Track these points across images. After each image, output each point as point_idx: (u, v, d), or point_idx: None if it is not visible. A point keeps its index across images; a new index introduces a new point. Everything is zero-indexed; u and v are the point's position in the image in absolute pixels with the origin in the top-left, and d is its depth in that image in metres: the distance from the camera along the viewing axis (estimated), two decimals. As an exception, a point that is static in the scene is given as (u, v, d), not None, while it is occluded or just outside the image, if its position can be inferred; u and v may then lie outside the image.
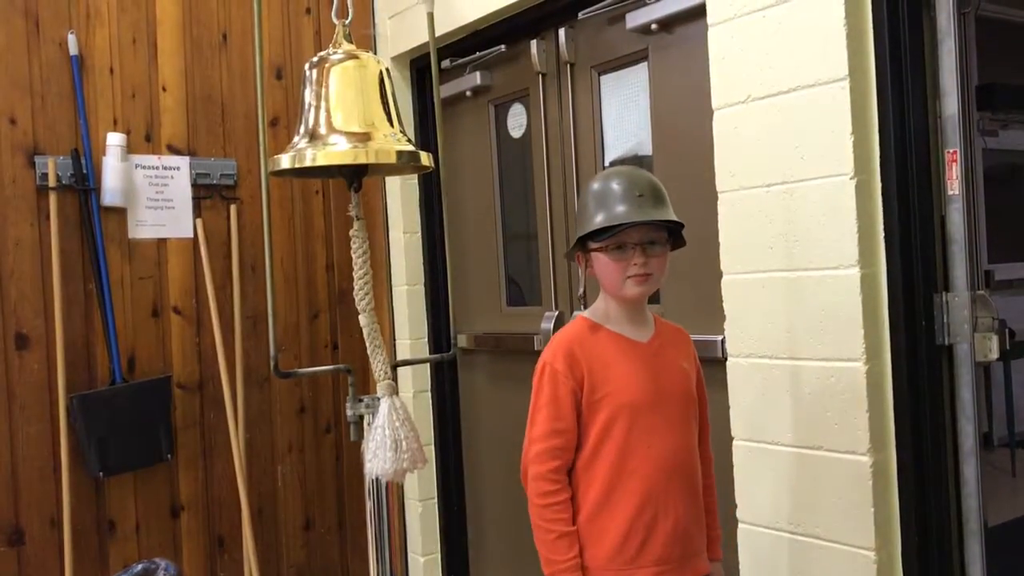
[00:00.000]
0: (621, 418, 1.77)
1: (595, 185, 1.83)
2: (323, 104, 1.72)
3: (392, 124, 1.75)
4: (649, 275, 1.79)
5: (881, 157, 1.97)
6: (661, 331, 1.90)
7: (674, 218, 1.80)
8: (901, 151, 1.96)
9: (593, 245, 1.80)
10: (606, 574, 1.77)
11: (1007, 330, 2.02)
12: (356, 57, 1.76)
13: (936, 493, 2.00)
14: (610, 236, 1.77)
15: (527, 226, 3.22)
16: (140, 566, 1.32)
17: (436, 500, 3.62)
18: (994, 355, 1.97)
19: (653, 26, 2.59)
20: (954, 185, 2.00)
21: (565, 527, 1.77)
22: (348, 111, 1.72)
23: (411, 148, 1.77)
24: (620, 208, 1.76)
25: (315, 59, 1.77)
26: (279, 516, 3.44)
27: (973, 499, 2.01)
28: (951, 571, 2.01)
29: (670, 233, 1.83)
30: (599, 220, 1.77)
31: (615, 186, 1.79)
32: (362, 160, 1.71)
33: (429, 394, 3.60)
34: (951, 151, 1.99)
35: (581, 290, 2.90)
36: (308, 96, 1.75)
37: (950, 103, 1.99)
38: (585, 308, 2.88)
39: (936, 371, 2.00)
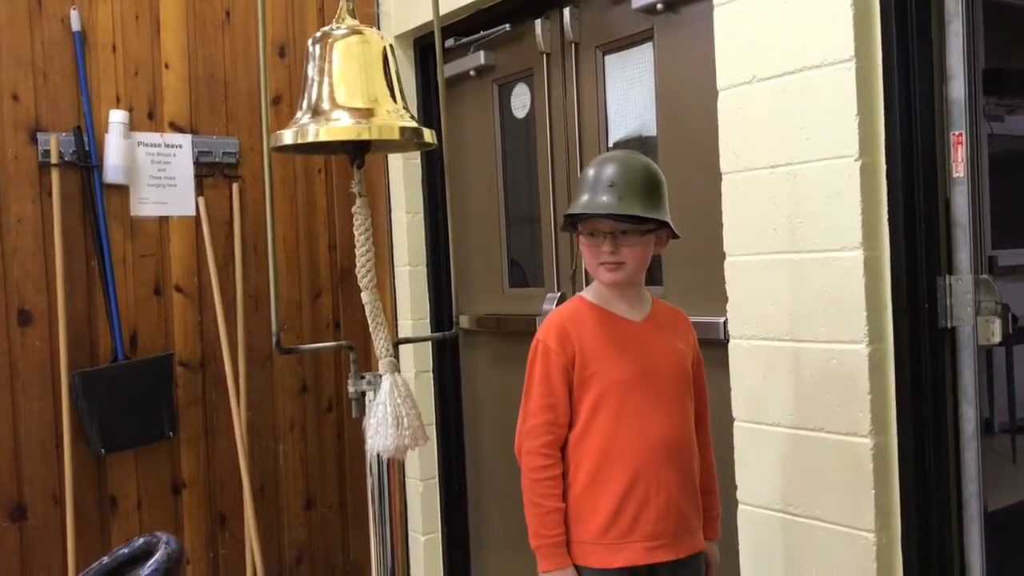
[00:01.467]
0: (611, 395, 1.80)
1: (586, 169, 1.87)
2: (326, 79, 1.71)
3: (395, 100, 1.74)
4: (621, 264, 1.80)
5: (886, 139, 1.96)
6: (657, 312, 1.92)
7: (637, 213, 1.76)
8: (907, 133, 1.95)
9: (579, 228, 1.85)
10: (598, 548, 1.79)
11: (1010, 315, 2.01)
12: (360, 32, 1.75)
13: (936, 477, 2.00)
14: (582, 223, 1.82)
15: (530, 207, 3.21)
16: (141, 540, 1.32)
17: (437, 479, 3.62)
18: (996, 339, 1.97)
19: (658, 6, 2.57)
20: (959, 168, 1.99)
21: (554, 503, 1.80)
22: (351, 87, 1.71)
23: (414, 124, 1.76)
24: (586, 197, 1.79)
25: (318, 34, 1.76)
26: (280, 494, 3.45)
27: (973, 483, 2.01)
28: (950, 555, 2.02)
29: (662, 223, 1.82)
30: (576, 203, 1.82)
31: (591, 173, 1.82)
32: (365, 136, 1.70)
33: (431, 374, 3.60)
34: (957, 133, 1.98)
35: (572, 268, 2.92)
36: (311, 71, 1.74)
37: (956, 85, 1.98)
38: (575, 285, 2.90)
39: (938, 354, 2.00)
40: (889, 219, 1.96)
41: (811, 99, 2.02)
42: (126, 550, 1.33)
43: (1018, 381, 5.23)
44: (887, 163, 1.96)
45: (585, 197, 1.80)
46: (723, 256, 2.24)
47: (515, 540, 3.31)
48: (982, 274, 2.00)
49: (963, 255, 1.99)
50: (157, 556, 1.22)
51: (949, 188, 2.00)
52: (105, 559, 1.33)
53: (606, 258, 1.80)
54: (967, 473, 2.02)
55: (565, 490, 1.82)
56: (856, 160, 1.94)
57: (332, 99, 1.70)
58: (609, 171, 1.79)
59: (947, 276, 2.00)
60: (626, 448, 1.79)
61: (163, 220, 3.21)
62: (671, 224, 1.83)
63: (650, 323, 1.88)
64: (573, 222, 1.85)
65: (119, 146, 3.07)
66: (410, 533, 3.67)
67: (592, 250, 1.82)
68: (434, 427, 3.60)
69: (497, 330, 3.38)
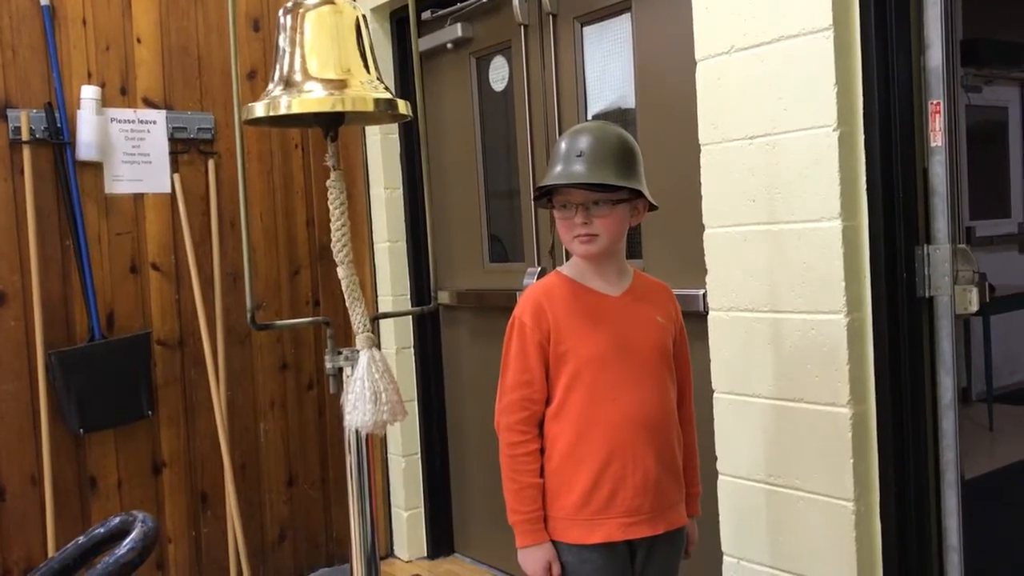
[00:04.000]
0: (585, 371, 1.78)
1: (558, 141, 1.83)
2: (298, 51, 1.68)
3: (369, 71, 1.72)
4: (594, 235, 1.77)
5: (864, 108, 1.95)
6: (638, 286, 1.89)
7: (607, 181, 1.73)
8: (884, 102, 1.95)
9: (553, 202, 1.82)
10: (575, 524, 1.79)
11: (987, 284, 2.02)
12: (332, 3, 1.72)
13: (914, 445, 2.01)
14: (553, 195, 1.79)
15: (509, 181, 3.19)
16: (117, 519, 1.30)
17: (419, 455, 3.63)
18: (974, 307, 1.97)
19: (636, -24, 2.55)
20: (937, 137, 1.98)
21: (530, 479, 1.79)
22: (324, 58, 1.68)
23: (388, 96, 1.74)
24: (557, 168, 1.77)
25: (289, 4, 1.73)
26: (262, 472, 3.44)
27: (951, 451, 2.02)
28: (928, 522, 2.04)
29: (635, 193, 1.79)
30: (550, 175, 1.78)
31: (563, 145, 1.79)
32: (339, 108, 1.68)
33: (412, 351, 3.60)
34: (934, 102, 1.98)
35: (551, 244, 2.91)
36: (282, 43, 1.71)
37: (934, 54, 1.98)
38: (555, 261, 2.89)
39: (916, 323, 2.00)
40: (867, 189, 1.96)
41: (789, 69, 2.01)
42: (102, 530, 1.30)
43: (995, 350, 5.30)
44: (865, 133, 1.95)
45: (558, 168, 1.77)
46: (702, 228, 2.23)
47: (498, 514, 3.31)
48: (960, 244, 2.01)
49: (941, 224, 1.99)
50: (133, 535, 1.20)
51: (927, 157, 2.00)
52: (81, 539, 1.31)
53: (579, 230, 1.77)
54: (944, 441, 2.03)
55: (542, 466, 1.81)
56: (834, 130, 1.94)
57: (304, 71, 1.68)
58: (580, 142, 1.76)
59: (925, 246, 2.00)
60: (601, 424, 1.78)
61: (138, 197, 3.17)
62: (646, 193, 1.80)
63: (628, 297, 1.86)
64: (547, 195, 1.83)
65: (91, 122, 3.02)
66: (393, 509, 3.68)
67: (565, 223, 1.79)
68: (416, 403, 3.60)
69: (478, 305, 3.37)
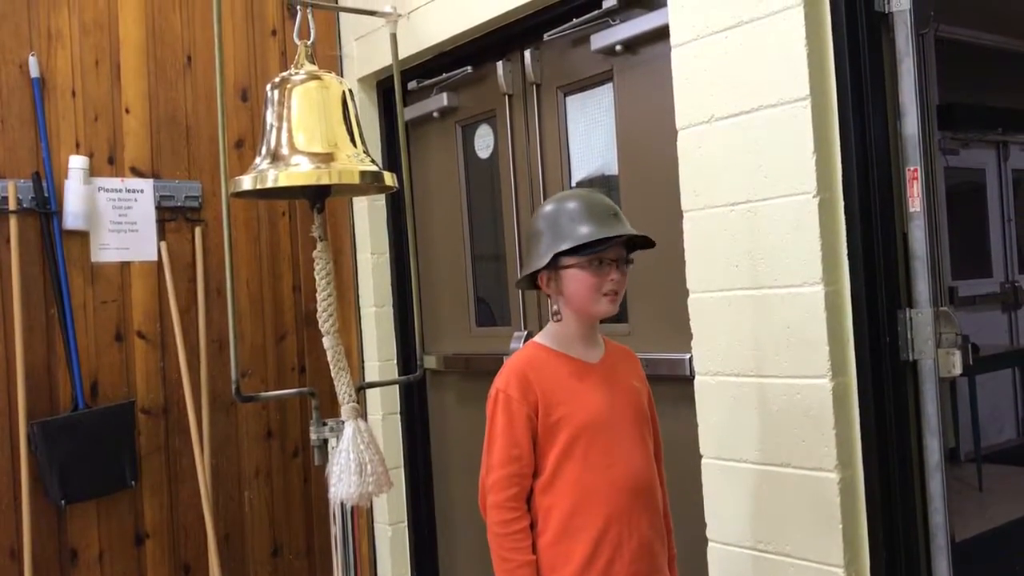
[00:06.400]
0: (579, 439, 1.77)
1: (561, 204, 1.81)
2: (285, 124, 1.71)
3: (355, 144, 1.74)
4: (618, 292, 1.80)
5: (843, 175, 1.98)
6: (610, 351, 1.91)
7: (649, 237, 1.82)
8: (863, 169, 1.98)
9: (570, 261, 1.77)
10: None
11: (971, 345, 2.04)
12: (318, 78, 1.75)
13: (903, 509, 2.00)
14: (592, 252, 1.75)
15: (495, 246, 3.21)
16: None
17: (406, 524, 3.58)
18: (957, 370, 1.98)
19: (618, 47, 2.60)
20: (915, 202, 2.02)
21: (524, 556, 1.75)
22: (310, 131, 1.71)
23: (374, 168, 1.76)
24: (599, 226, 1.75)
25: (277, 79, 1.76)
26: (246, 542, 3.38)
27: (939, 515, 2.02)
28: (919, 587, 2.02)
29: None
30: (585, 232, 1.74)
31: (586, 204, 1.78)
32: (324, 181, 1.70)
33: (398, 416, 3.57)
34: (912, 168, 2.01)
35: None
36: (270, 117, 1.73)
37: (910, 121, 2.02)
38: (537, 325, 2.88)
39: (901, 387, 2.01)
40: (848, 254, 1.98)
41: (769, 137, 2.04)
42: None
43: (982, 409, 5.31)
44: (844, 199, 1.98)
45: (586, 228, 1.74)
46: (686, 293, 2.25)
47: (486, 583, 3.27)
48: (942, 306, 2.03)
49: (922, 287, 2.01)
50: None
51: (906, 222, 2.03)
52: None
53: (612, 287, 1.77)
54: (933, 505, 2.02)
55: (534, 540, 1.77)
56: (814, 196, 1.97)
57: (291, 144, 1.70)
58: (600, 201, 1.79)
59: (907, 309, 2.02)
60: (597, 493, 1.76)
61: (124, 265, 3.17)
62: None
63: (606, 363, 1.87)
64: (557, 257, 1.78)
65: (79, 192, 3.04)
66: (380, 578, 3.62)
67: (597, 280, 1.76)
68: (402, 469, 3.56)
69: (465, 370, 3.36)
